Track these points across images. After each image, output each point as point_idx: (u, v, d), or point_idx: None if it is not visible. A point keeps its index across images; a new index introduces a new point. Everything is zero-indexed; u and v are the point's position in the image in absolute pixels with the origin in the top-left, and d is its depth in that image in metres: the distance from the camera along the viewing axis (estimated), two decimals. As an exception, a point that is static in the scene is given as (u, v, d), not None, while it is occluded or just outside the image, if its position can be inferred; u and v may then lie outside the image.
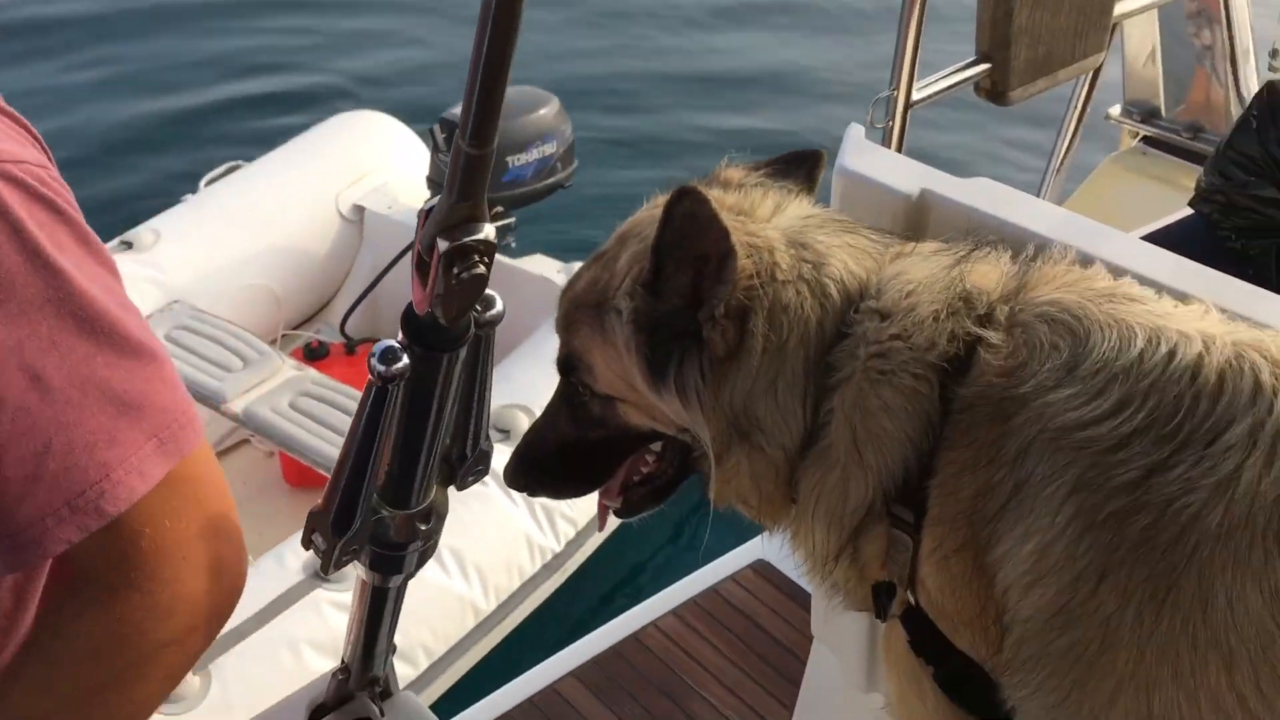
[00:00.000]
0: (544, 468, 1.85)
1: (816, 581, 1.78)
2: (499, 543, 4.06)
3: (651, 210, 1.76)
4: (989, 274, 1.63)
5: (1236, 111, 4.35)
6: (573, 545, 4.29)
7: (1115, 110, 4.69)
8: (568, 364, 1.76)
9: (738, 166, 1.86)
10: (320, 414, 4.34)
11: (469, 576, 3.97)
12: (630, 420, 1.74)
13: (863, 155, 2.07)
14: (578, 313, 1.73)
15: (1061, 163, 3.95)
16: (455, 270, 1.22)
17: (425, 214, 1.25)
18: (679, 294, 1.61)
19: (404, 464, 1.44)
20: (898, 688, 1.79)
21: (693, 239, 1.56)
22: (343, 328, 5.31)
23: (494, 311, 1.39)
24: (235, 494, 4.36)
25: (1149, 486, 1.42)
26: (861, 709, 2.23)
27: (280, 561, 3.79)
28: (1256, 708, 1.41)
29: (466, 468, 1.55)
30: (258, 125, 7.87)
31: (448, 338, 1.34)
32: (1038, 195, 3.96)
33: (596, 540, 4.41)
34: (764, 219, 1.70)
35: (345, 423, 4.22)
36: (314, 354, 5.07)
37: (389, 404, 1.34)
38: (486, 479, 4.00)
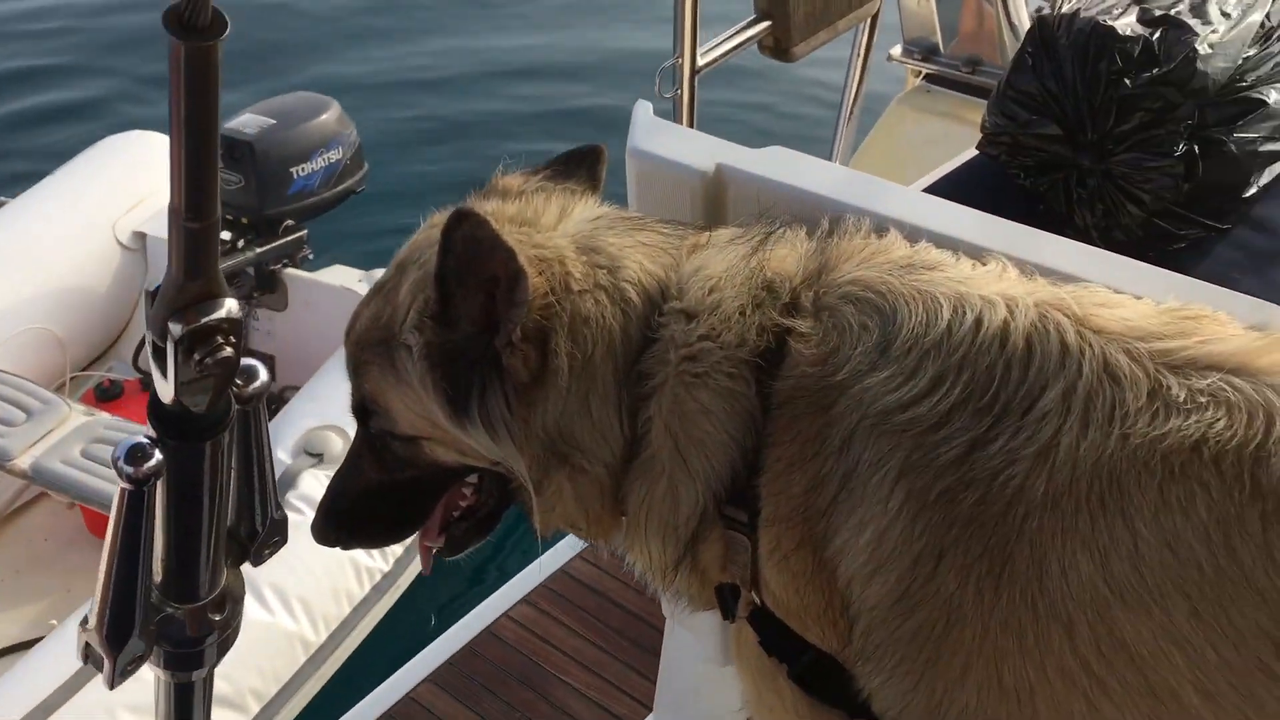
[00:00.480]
0: (354, 518, 1.77)
1: (660, 590, 1.74)
2: (323, 571, 3.89)
3: (429, 232, 1.67)
4: (787, 258, 1.60)
5: (1009, 40, 4.44)
6: (402, 562, 4.14)
7: (896, 50, 4.74)
8: (363, 410, 1.68)
9: (515, 173, 1.78)
10: None
11: (294, 610, 3.79)
12: (439, 458, 1.66)
13: (653, 134, 2.02)
14: (364, 354, 1.64)
15: (851, 111, 3.98)
16: (198, 356, 1.10)
17: (152, 295, 1.13)
18: (471, 320, 1.53)
19: (182, 559, 1.31)
20: (754, 688, 1.76)
21: (477, 263, 1.49)
22: (135, 362, 5.06)
23: (258, 384, 1.28)
24: (37, 551, 4.05)
25: (973, 461, 1.42)
26: (722, 674, 2.20)
27: (87, 623, 3.50)
28: (1100, 671, 1.40)
29: (260, 542, 1.44)
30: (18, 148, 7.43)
31: (205, 425, 1.21)
32: (832, 145, 3.97)
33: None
34: (550, 227, 1.63)
35: None
36: (107, 394, 4.81)
37: (146, 506, 1.22)
38: (302, 507, 3.79)
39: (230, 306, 1.11)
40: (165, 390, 1.14)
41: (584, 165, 1.79)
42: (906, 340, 1.47)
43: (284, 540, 1.45)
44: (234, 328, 1.11)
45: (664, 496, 1.58)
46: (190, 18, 0.94)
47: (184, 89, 0.98)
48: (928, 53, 4.65)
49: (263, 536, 1.43)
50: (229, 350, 1.11)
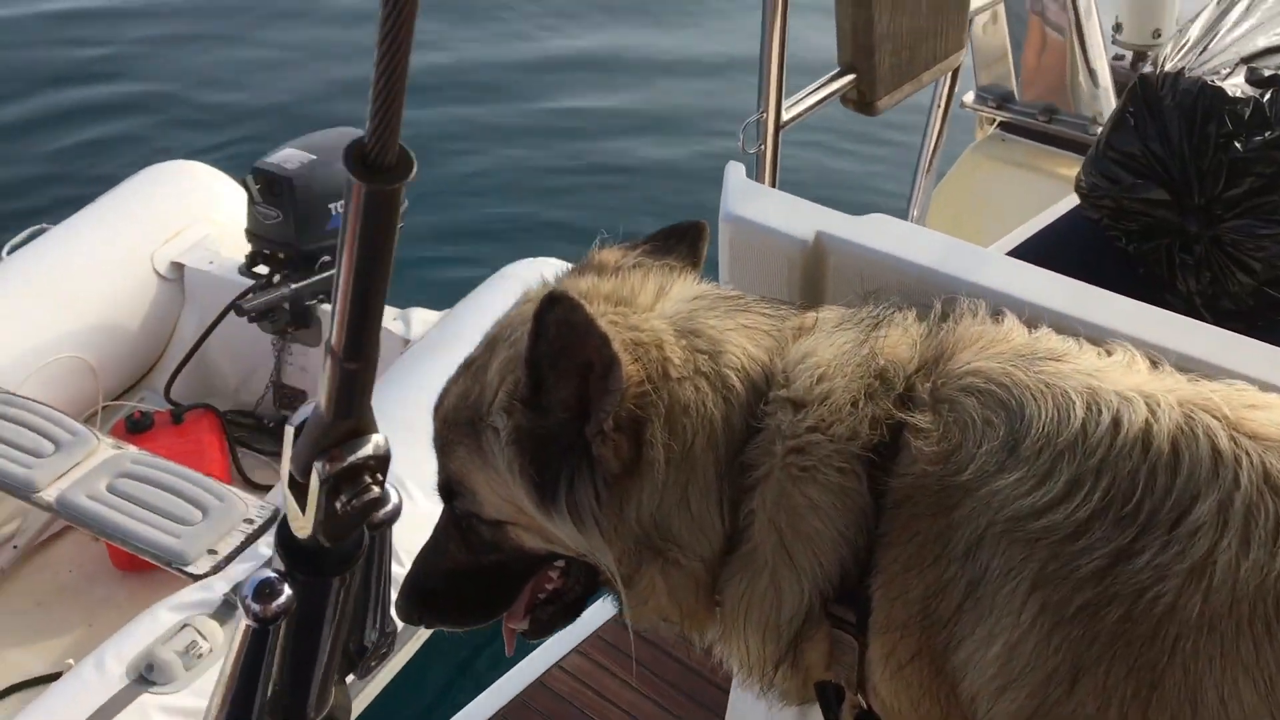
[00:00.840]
0: (439, 598, 1.71)
1: (755, 689, 1.66)
2: (345, 622, 3.71)
3: (522, 308, 1.63)
4: (900, 344, 1.51)
5: (1086, 88, 4.29)
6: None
7: (969, 97, 4.60)
8: (448, 490, 1.62)
9: (613, 247, 1.72)
10: (142, 495, 4.01)
11: None
12: (526, 544, 1.60)
13: (749, 199, 1.96)
14: (451, 433, 1.58)
15: (930, 162, 3.84)
16: (344, 498, 1.06)
17: (297, 429, 1.08)
18: (562, 406, 1.46)
19: (295, 683, 1.24)
20: None
21: (571, 349, 1.42)
22: (168, 394, 4.99)
23: (389, 509, 1.18)
24: (62, 583, 3.94)
25: (1116, 575, 1.33)
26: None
27: (100, 667, 3.42)
28: None
29: (370, 655, 1.37)
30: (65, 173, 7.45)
31: (337, 559, 1.16)
32: (910, 195, 3.82)
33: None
34: (647, 306, 1.57)
35: (169, 503, 3.96)
36: (138, 426, 4.69)
37: (269, 645, 1.16)
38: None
39: (377, 442, 1.07)
40: (301, 526, 1.10)
41: (684, 241, 1.72)
42: (1037, 439, 1.37)
43: (391, 651, 1.40)
44: (381, 464, 1.07)
45: (766, 592, 1.50)
46: (376, 157, 0.88)
47: (359, 231, 0.93)
48: (1002, 100, 4.51)
49: (371, 650, 1.37)
50: (376, 491, 1.07)
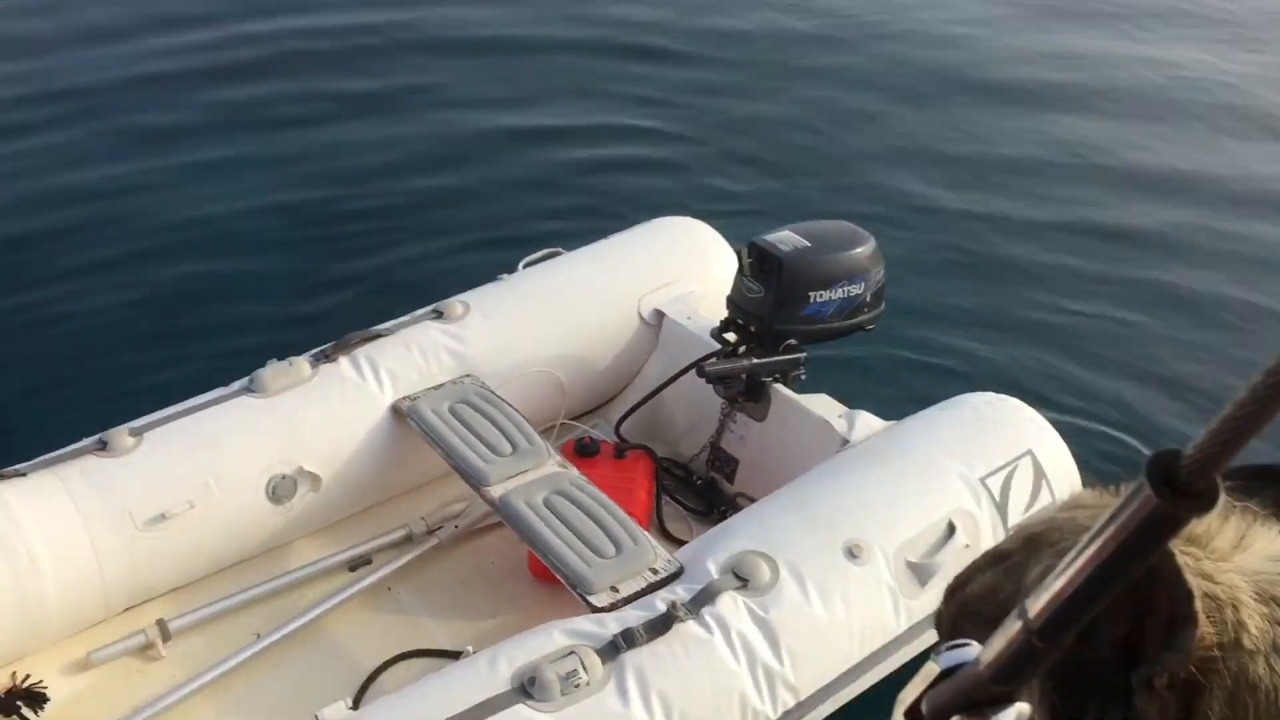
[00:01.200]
0: None
1: None
2: (711, 697, 3.70)
3: (1072, 513, 1.49)
4: None
5: None
6: (790, 716, 3.86)
7: None
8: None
9: None
10: (570, 516, 4.27)
11: None
12: None
13: None
14: (968, 624, 1.46)
15: None
16: None
17: (945, 670, 1.12)
18: (1111, 642, 1.32)
19: None
20: None
21: (1146, 592, 1.28)
22: (618, 429, 5.28)
23: None
24: (484, 569, 4.28)
25: None
26: None
27: (493, 665, 3.61)
28: None
29: None
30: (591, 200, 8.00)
31: None
32: None
33: (819, 714, 3.97)
34: (1223, 555, 1.39)
35: (590, 531, 4.19)
36: (585, 450, 4.99)
37: None
38: (712, 626, 3.64)
39: (1021, 711, 1.05)
40: None
41: (1272, 485, 1.53)
42: None
43: None
44: None
45: None
46: (1186, 478, 0.82)
47: (1125, 537, 0.88)
48: None
49: None
50: None
